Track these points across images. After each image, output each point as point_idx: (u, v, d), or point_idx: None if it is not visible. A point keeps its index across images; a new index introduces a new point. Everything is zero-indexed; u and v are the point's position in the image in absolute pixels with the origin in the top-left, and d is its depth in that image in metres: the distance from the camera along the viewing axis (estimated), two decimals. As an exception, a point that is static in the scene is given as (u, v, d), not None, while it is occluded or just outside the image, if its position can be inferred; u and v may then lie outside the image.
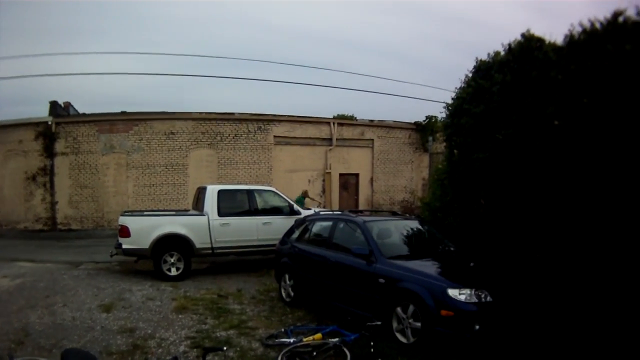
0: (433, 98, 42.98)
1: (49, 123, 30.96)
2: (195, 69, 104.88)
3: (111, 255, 17.88)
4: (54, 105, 33.12)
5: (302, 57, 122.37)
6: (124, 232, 16.83)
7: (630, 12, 8.87)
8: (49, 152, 30.98)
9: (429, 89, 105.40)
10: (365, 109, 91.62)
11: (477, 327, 8.81)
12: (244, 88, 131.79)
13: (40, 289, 15.32)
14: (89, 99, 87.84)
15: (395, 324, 9.83)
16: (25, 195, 31.33)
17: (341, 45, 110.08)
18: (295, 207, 19.07)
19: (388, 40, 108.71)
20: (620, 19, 9.10)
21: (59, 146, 31.04)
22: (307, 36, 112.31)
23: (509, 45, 12.79)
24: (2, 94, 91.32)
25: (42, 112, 35.51)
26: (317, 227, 14.02)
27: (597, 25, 9.59)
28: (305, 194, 27.12)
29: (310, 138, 34.17)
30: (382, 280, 10.23)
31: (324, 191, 34.62)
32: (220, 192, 18.37)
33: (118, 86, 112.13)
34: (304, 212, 18.39)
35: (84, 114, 34.23)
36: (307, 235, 14.04)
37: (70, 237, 29.40)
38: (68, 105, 35.96)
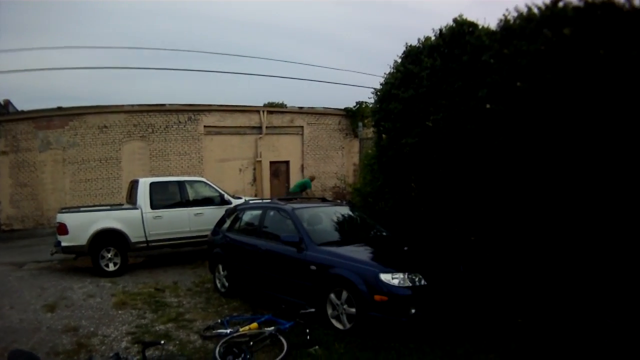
0: (364, 84, 43.21)
1: (-12, 122, 30.16)
2: (129, 61, 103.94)
3: (51, 254, 17.77)
4: (-7, 104, 32.68)
5: (232, 45, 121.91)
6: (62, 229, 16.75)
7: (572, -2, 9.08)
8: (-10, 152, 30.29)
9: (360, 75, 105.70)
10: (296, 97, 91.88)
11: (413, 310, 8.95)
12: (176, 78, 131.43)
13: (-14, 292, 15.07)
14: (27, 96, 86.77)
15: (330, 311, 9.92)
16: (-33, 197, 30.53)
17: (271, 33, 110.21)
18: (226, 196, 19.10)
19: (318, 27, 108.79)
20: (560, 4, 9.31)
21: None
22: (237, 25, 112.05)
23: (440, 30, 12.98)
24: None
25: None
26: (247, 216, 13.99)
27: (535, 10, 9.79)
28: (312, 178, 27.39)
29: (240, 127, 34.25)
30: (313, 267, 10.33)
31: (254, 180, 34.73)
32: (152, 184, 18.37)
33: (55, 81, 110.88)
34: (235, 202, 18.38)
35: (21, 112, 33.70)
36: (238, 225, 14.03)
37: (13, 238, 28.99)
38: (7, 102, 35.30)
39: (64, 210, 18.26)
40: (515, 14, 10.27)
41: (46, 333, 11.02)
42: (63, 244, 16.73)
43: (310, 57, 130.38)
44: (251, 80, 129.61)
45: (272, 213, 12.91)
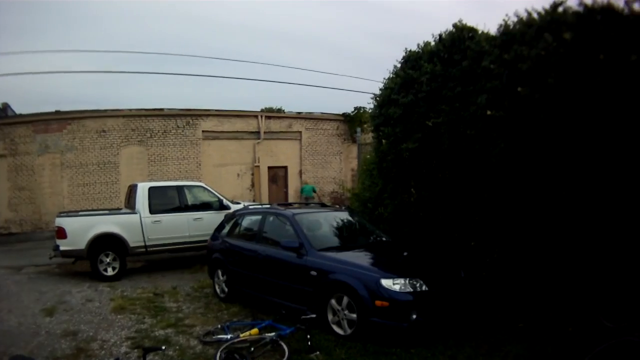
0: (361, 90, 43.26)
1: (-15, 125, 30.11)
2: (126, 65, 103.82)
3: (50, 258, 17.71)
4: (-9, 107, 32.66)
5: (230, 50, 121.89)
6: (61, 233, 16.71)
7: (571, 3, 9.07)
8: (-14, 154, 30.21)
9: (357, 81, 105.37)
10: (294, 102, 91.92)
11: (414, 316, 8.97)
12: (174, 83, 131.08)
13: (-17, 295, 14.99)
14: (25, 99, 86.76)
15: (330, 316, 9.93)
16: (-37, 200, 30.49)
17: (269, 38, 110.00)
18: (225, 201, 19.13)
19: (315, 32, 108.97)
20: (560, 9, 9.30)
21: (-3, 148, 30.35)
22: (234, 29, 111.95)
23: (440, 35, 12.91)
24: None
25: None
26: (246, 222, 14.05)
27: (535, 15, 9.78)
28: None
29: (238, 132, 34.24)
30: (314, 273, 10.33)
31: (253, 185, 34.74)
32: (150, 189, 18.35)
33: (53, 84, 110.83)
34: (234, 207, 18.48)
35: (20, 115, 33.53)
36: (237, 230, 14.07)
37: (11, 241, 29.02)
38: (6, 106, 35.31)
39: (62, 214, 18.30)
40: (515, 19, 10.25)
41: (45, 337, 10.95)
42: (61, 248, 16.70)
43: (308, 62, 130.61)
44: (249, 85, 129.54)
45: (271, 218, 12.93)
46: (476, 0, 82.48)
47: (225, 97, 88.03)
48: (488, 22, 17.14)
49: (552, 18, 9.35)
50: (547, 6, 9.54)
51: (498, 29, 10.84)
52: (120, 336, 10.90)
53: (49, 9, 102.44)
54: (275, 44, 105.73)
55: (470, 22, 12.91)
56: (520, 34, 9.90)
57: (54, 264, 19.05)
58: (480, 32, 12.25)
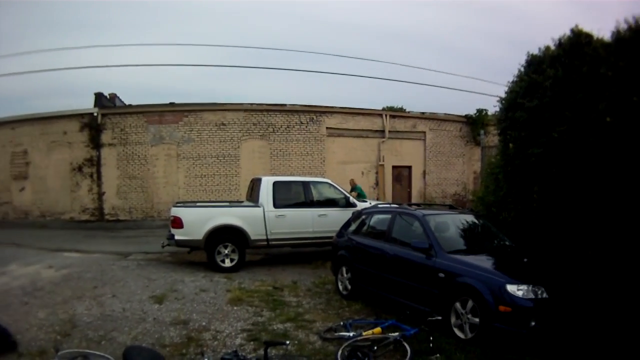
0: (476, 90, 42.80)
1: (95, 114, 31.44)
2: (242, 61, 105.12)
3: (162, 246, 18.10)
4: (99, 96, 33.76)
5: (348, 49, 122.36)
6: (177, 223, 16.98)
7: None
8: (95, 143, 31.46)
9: (475, 82, 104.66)
10: (413, 102, 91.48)
11: (533, 323, 8.84)
12: (293, 79, 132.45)
13: (87, 279, 15.46)
14: (133, 91, 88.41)
15: (453, 319, 9.89)
16: (71, 186, 31.84)
17: (386, 38, 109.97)
18: (351, 199, 19.11)
19: (430, 32, 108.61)
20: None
21: (106, 137, 31.47)
22: (354, 28, 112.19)
23: (559, 40, 12.85)
24: (44, 86, 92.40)
25: (85, 104, 35.97)
26: (374, 220, 14.07)
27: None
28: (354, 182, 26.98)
29: (362, 130, 34.15)
30: (441, 275, 10.29)
31: (377, 183, 34.63)
32: (275, 183, 18.43)
33: (163, 78, 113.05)
34: (360, 205, 18.41)
35: (130, 105, 34.60)
36: (364, 228, 14.16)
37: (118, 228, 29.78)
38: (114, 96, 36.31)
39: (179, 204, 18.60)
40: (626, 26, 9.95)
41: (152, 324, 11.15)
42: (177, 237, 17.01)
43: (425, 63, 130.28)
44: (369, 84, 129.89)
45: (401, 218, 12.89)
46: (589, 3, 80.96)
47: (345, 95, 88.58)
48: (602, 25, 16.77)
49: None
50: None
51: (611, 35, 10.67)
52: (235, 328, 11.05)
53: (165, 4, 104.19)
54: (393, 44, 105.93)
55: (587, 25, 12.53)
56: (631, 41, 9.58)
57: (166, 252, 19.41)
58: (595, 37, 12.17)
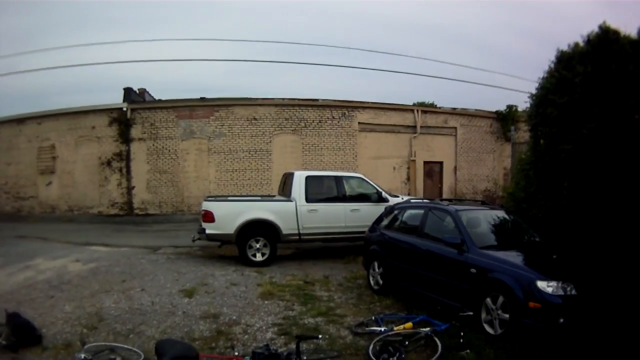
0: (505, 86, 42.60)
1: (124, 109, 31.80)
2: (273, 56, 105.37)
3: (193, 240, 18.18)
4: (128, 91, 33.93)
5: (380, 44, 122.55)
6: (208, 217, 17.09)
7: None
8: (125, 137, 31.82)
9: (501, 77, 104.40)
10: (443, 97, 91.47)
11: (562, 320, 8.82)
12: (325, 74, 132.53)
13: (115, 273, 15.59)
14: (162, 86, 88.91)
15: (484, 315, 9.90)
16: (99, 180, 32.24)
17: (415, 33, 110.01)
18: (384, 194, 19.08)
19: (461, 28, 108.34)
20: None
21: (135, 132, 31.84)
22: (384, 24, 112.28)
23: (588, 36, 12.78)
24: (69, 83, 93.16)
25: (110, 99, 36.27)
26: (407, 215, 14.14)
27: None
28: None
29: (394, 125, 34.28)
30: (473, 270, 10.31)
31: (408, 179, 34.79)
32: (308, 178, 18.53)
33: (192, 73, 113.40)
34: (392, 200, 18.48)
35: (160, 100, 34.79)
36: (397, 223, 14.29)
37: (147, 222, 30.11)
38: (143, 91, 36.69)
39: (210, 198, 18.74)
40: None
41: (181, 318, 11.27)
42: (208, 231, 17.12)
43: (454, 58, 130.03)
44: (399, 79, 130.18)
45: (433, 213, 12.92)
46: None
47: (376, 90, 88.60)
48: (628, 22, 16.71)
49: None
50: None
51: (638, 32, 10.57)
52: (266, 322, 11.15)
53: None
54: (422, 39, 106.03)
55: (615, 21, 12.51)
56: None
57: (197, 246, 19.56)
58: (622, 34, 12.16)
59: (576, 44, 13.03)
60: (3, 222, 31.01)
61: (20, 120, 34.57)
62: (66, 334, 10.14)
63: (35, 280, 14.79)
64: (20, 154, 34.40)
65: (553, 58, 13.61)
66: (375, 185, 19.45)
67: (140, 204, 32.09)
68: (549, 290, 8.97)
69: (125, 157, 32.06)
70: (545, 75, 13.64)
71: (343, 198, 18.80)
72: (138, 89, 36.74)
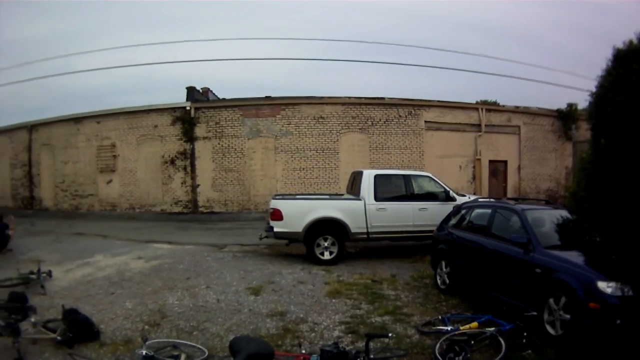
0: (564, 83, 42.52)
1: (188, 108, 32.30)
2: (339, 55, 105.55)
3: (260, 238, 18.50)
4: (191, 90, 34.70)
5: (444, 43, 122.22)
6: (276, 215, 17.38)
7: None
8: (189, 136, 32.42)
9: (563, 75, 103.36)
10: (502, 95, 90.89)
11: (619, 321, 8.79)
12: (390, 73, 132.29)
13: (179, 270, 16.00)
14: (227, 85, 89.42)
15: (546, 315, 9.90)
16: (162, 178, 32.93)
17: (473, 31, 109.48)
18: (451, 193, 19.12)
19: (520, 26, 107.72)
20: None
21: (200, 131, 32.38)
22: (443, 22, 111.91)
23: (640, 34, 12.91)
24: (128, 83, 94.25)
25: (170, 99, 36.80)
26: (475, 215, 14.20)
27: None
28: None
29: (459, 124, 34.41)
30: (538, 270, 10.32)
31: (474, 178, 34.90)
32: (377, 176, 18.63)
33: (257, 72, 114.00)
34: (460, 199, 18.58)
35: (224, 99, 35.32)
36: (465, 222, 14.43)
37: (212, 220, 30.38)
38: (207, 90, 37.23)
39: (278, 197, 19.03)
40: None
41: (247, 315, 11.55)
42: (276, 229, 17.46)
43: (513, 56, 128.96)
44: (462, 77, 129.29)
45: (500, 212, 12.99)
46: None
47: (440, 88, 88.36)
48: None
49: None
50: None
51: None
52: (333, 320, 11.35)
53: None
54: (480, 37, 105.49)
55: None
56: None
57: (263, 244, 19.89)
58: None
59: (631, 42, 13.12)
60: (61, 219, 31.97)
61: (77, 120, 35.47)
62: (126, 331, 10.53)
63: (95, 277, 15.22)
64: (79, 152, 35.34)
65: (610, 56, 13.70)
66: (443, 184, 19.53)
67: (205, 202, 32.56)
68: (609, 291, 8.96)
69: (189, 156, 32.64)
70: (604, 74, 13.72)
71: (411, 197, 18.87)
72: (201, 88, 37.46)
